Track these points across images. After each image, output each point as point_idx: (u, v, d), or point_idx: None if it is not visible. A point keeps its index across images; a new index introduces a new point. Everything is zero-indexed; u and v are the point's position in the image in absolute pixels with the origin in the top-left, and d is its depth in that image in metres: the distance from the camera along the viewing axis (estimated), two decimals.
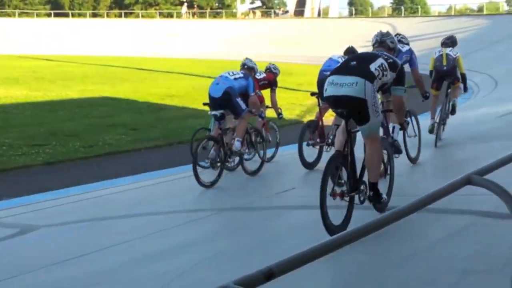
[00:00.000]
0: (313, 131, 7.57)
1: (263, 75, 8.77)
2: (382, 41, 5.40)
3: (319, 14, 56.39)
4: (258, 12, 61.45)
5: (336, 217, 4.39)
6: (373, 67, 4.60)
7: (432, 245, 4.27)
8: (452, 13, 49.14)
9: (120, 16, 65.27)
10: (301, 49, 41.71)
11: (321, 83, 6.88)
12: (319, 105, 7.67)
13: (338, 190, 4.49)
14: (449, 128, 8.70)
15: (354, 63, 4.70)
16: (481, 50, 29.65)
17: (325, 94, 4.70)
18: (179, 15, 62.31)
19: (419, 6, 58.76)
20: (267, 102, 8.72)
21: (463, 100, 19.33)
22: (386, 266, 3.93)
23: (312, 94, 7.80)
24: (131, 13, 67.10)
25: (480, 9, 59.37)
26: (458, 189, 2.26)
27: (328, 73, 5.03)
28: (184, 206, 6.81)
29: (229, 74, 7.56)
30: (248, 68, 8.01)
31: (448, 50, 8.55)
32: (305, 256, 1.67)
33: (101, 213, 6.89)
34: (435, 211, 4.82)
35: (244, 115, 7.41)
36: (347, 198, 4.53)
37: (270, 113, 9.01)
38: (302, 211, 5.88)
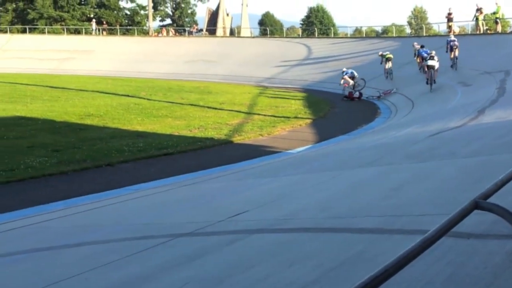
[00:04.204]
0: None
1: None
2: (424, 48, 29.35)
3: (231, 33, 56.67)
4: (171, 30, 60.91)
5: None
6: (436, 57, 25.10)
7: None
8: (364, 35, 50.78)
9: (24, 31, 62.82)
10: (217, 67, 41.73)
11: (420, 56, 29.22)
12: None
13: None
14: (381, 148, 8.88)
15: (432, 56, 25.13)
16: (393, 71, 30.73)
17: (427, 64, 25.10)
18: (88, 32, 60.77)
19: (331, 28, 60.32)
20: None
21: (384, 119, 19.98)
22: None
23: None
24: (35, 29, 64.72)
25: (384, 31, 61.91)
26: (468, 215, 2.23)
27: (424, 54, 27.57)
28: (132, 233, 6.51)
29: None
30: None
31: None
32: None
33: (43, 242, 6.44)
34: (403, 232, 4.84)
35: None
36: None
37: None
38: (262, 235, 5.74)
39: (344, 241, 4.84)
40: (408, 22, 79.76)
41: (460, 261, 3.91)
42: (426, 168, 7.63)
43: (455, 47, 27.53)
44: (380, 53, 32.51)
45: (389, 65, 31.27)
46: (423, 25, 54.94)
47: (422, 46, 29.79)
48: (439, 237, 2.04)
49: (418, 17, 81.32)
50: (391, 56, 31.40)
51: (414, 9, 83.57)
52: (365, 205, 5.87)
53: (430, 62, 24.65)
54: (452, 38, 28.43)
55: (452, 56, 27.76)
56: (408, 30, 68.23)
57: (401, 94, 25.23)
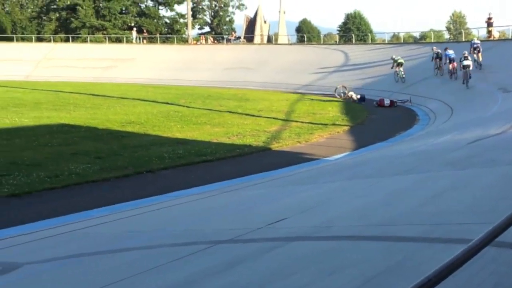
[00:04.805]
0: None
1: None
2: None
3: (269, 41, 56.85)
4: (210, 38, 61.42)
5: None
6: (469, 57, 27.88)
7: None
8: (402, 41, 50.35)
9: (67, 40, 64.13)
10: (255, 75, 41.91)
11: (443, 57, 31.32)
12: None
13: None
14: (420, 155, 8.83)
15: (466, 56, 27.33)
16: (431, 78, 30.43)
17: (463, 64, 27.34)
18: (129, 40, 61.72)
19: (368, 34, 59.95)
20: None
21: (422, 126, 19.81)
22: None
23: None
24: (77, 37, 66.07)
25: (423, 37, 61.19)
26: None
27: (450, 55, 29.89)
28: (173, 239, 6.62)
29: None
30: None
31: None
32: None
33: (86, 247, 6.59)
34: (444, 241, 4.83)
35: None
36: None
37: None
38: (301, 242, 5.79)
39: (385, 249, 4.86)
40: (446, 27, 78.86)
41: (505, 271, 3.88)
42: (465, 176, 7.58)
43: (478, 49, 30.22)
44: (392, 56, 34.17)
45: (400, 69, 33.08)
46: (462, 30, 54.18)
47: (446, 49, 31.46)
48: (483, 246, 2.03)
49: (457, 22, 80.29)
50: (402, 61, 33.70)
51: (453, 14, 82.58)
52: (404, 213, 5.88)
53: (465, 62, 27.43)
54: (476, 41, 31.77)
55: (476, 57, 30.10)
56: (446, 36, 67.42)
57: (439, 101, 24.98)
